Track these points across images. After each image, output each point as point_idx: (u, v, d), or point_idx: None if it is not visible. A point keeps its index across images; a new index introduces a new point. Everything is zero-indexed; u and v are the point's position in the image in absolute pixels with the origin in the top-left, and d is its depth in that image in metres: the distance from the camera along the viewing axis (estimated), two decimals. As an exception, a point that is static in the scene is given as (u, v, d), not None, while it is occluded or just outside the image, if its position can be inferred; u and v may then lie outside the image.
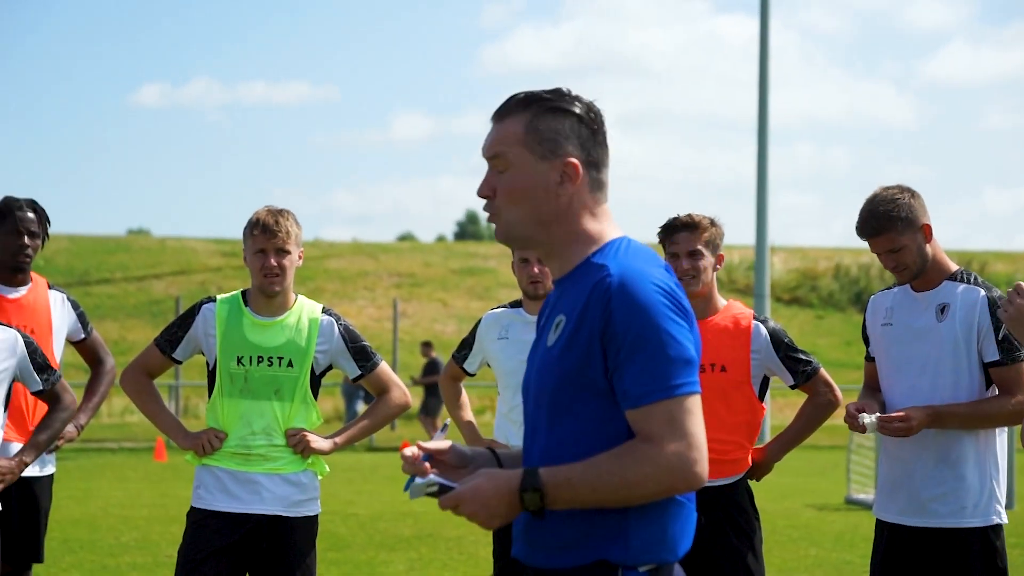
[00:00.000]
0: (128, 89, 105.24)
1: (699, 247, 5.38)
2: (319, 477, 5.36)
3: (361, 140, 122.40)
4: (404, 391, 5.46)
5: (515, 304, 5.87)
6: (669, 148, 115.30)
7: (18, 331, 5.19)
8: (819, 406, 5.49)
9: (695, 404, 2.78)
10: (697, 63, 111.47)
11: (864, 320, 5.30)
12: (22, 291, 6.10)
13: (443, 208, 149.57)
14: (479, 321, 5.94)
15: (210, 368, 5.31)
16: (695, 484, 2.75)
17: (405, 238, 73.64)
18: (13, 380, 5.15)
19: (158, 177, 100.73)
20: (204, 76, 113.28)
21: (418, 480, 2.80)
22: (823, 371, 5.47)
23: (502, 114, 2.93)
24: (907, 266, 4.95)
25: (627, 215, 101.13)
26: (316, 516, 5.32)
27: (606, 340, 2.76)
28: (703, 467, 2.75)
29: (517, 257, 5.67)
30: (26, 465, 5.26)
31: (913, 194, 4.98)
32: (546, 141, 2.88)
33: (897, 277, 5.05)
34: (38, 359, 5.19)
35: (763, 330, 5.40)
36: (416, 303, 40.94)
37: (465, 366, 5.97)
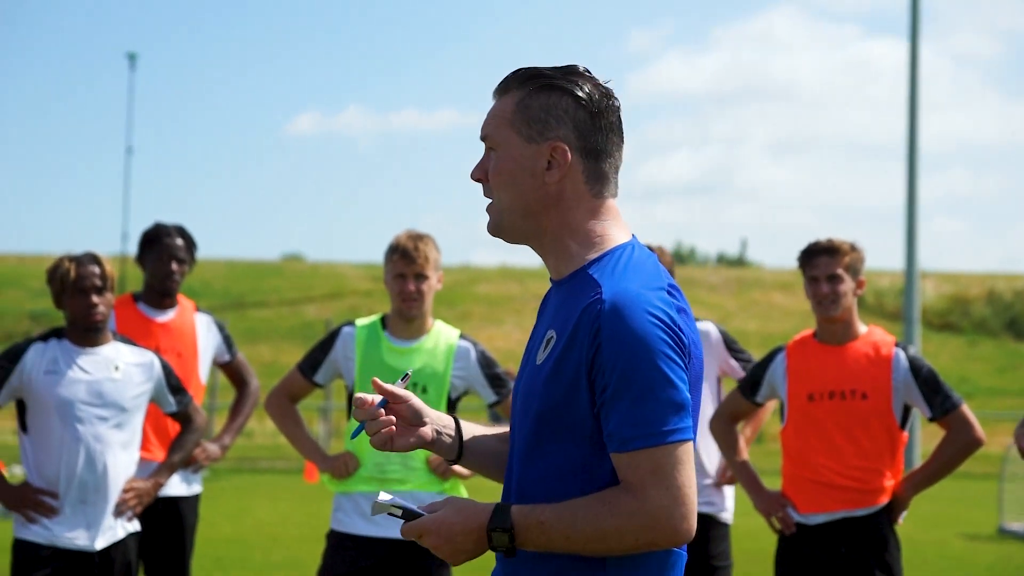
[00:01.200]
0: (285, 119, 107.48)
1: (839, 271, 5.33)
2: None
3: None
4: None
5: None
6: (819, 173, 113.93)
7: (155, 354, 5.35)
8: (957, 445, 5.27)
9: (686, 453, 2.47)
10: (847, 88, 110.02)
11: None
12: (170, 314, 6.28)
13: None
14: None
15: (349, 392, 5.40)
16: (678, 541, 2.47)
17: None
18: (149, 401, 5.32)
19: (312, 203, 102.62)
20: (357, 105, 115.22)
21: (382, 497, 2.61)
22: (965, 408, 5.28)
23: (500, 90, 2.66)
24: None
25: (774, 240, 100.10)
26: None
27: (594, 373, 2.48)
28: (690, 523, 2.46)
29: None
30: (161, 485, 5.40)
31: None
32: (535, 122, 2.59)
33: None
34: (172, 381, 5.35)
35: (903, 358, 5.31)
36: (563, 327, 40.97)
37: None
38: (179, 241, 6.28)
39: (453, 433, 2.81)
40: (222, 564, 11.18)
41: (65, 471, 5.06)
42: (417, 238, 5.32)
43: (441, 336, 5.38)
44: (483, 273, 49.13)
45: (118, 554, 5.18)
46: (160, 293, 6.25)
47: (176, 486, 6.14)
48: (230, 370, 6.51)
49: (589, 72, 2.63)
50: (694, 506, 2.46)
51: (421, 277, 5.27)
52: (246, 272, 48.83)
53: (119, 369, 5.17)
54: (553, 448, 2.53)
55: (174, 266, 6.23)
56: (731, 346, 5.82)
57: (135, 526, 5.29)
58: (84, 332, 5.17)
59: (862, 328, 5.42)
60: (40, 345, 5.15)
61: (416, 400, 2.75)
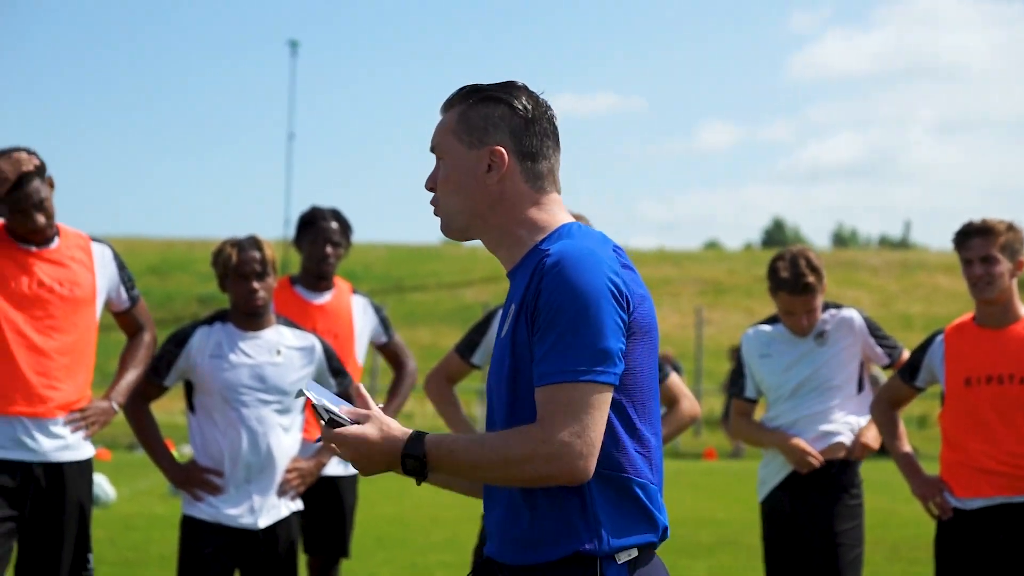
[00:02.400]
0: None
1: (993, 252, 5.22)
2: None
3: (667, 149, 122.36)
4: (693, 402, 5.36)
5: (772, 320, 5.85)
6: (985, 154, 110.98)
7: (316, 336, 5.47)
8: None
9: (601, 399, 2.63)
10: (1015, 66, 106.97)
11: None
12: (327, 296, 6.41)
13: (749, 216, 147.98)
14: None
15: None
16: (577, 478, 2.61)
17: (711, 246, 73.26)
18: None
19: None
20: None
21: (311, 391, 2.76)
22: None
23: (446, 106, 2.91)
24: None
25: (938, 222, 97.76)
26: None
27: (534, 315, 2.68)
28: (589, 463, 2.61)
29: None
30: (323, 464, 5.52)
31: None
32: (474, 130, 2.84)
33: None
34: (334, 364, 5.45)
35: (1068, 340, 5.18)
36: (720, 310, 40.71)
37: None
38: (334, 224, 6.40)
39: None
40: (383, 543, 11.37)
41: (230, 452, 5.22)
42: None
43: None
44: (641, 256, 48.90)
45: (281, 532, 5.32)
46: (316, 276, 6.38)
47: (335, 466, 6.25)
48: (387, 352, 6.60)
49: (526, 86, 2.89)
50: (595, 449, 2.61)
51: None
52: (406, 256, 49.39)
53: (281, 353, 5.30)
54: (525, 406, 2.70)
55: (329, 249, 6.35)
56: (875, 332, 5.76)
57: (298, 505, 5.43)
58: (246, 316, 5.31)
59: (1023, 311, 5.32)
60: (205, 329, 5.31)
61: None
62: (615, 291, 2.67)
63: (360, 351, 6.45)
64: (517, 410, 2.73)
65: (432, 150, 2.91)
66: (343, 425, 2.73)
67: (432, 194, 2.92)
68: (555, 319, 2.64)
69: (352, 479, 6.43)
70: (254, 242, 5.31)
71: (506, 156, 2.83)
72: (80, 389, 5.18)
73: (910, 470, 5.45)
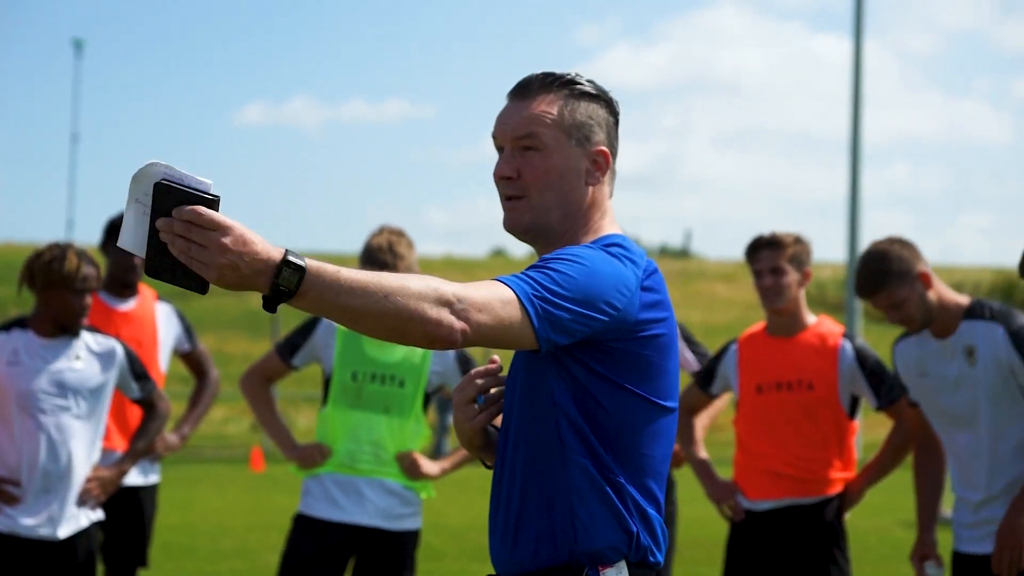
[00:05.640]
0: (232, 107, 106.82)
1: (782, 263, 5.40)
2: (423, 497, 5.42)
3: (455, 157, 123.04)
4: None
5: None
6: (762, 166, 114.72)
7: (117, 340, 5.35)
8: (906, 435, 5.30)
9: (522, 324, 2.42)
10: (792, 82, 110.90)
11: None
12: (130, 303, 6.30)
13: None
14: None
15: (326, 378, 5.41)
16: (454, 333, 2.35)
17: (497, 253, 73.83)
18: (114, 389, 5.34)
19: (259, 191, 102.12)
20: (304, 94, 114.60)
21: (160, 164, 2.25)
22: (907, 398, 5.19)
23: (528, 93, 2.71)
24: (912, 319, 4.76)
25: (718, 232, 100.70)
26: (417, 531, 5.41)
27: None
28: (470, 334, 2.36)
29: None
30: (125, 473, 5.42)
31: (904, 244, 4.79)
32: (583, 127, 2.69)
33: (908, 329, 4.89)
34: (136, 368, 5.34)
35: (850, 348, 5.39)
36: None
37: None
38: None
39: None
40: (171, 553, 11.18)
41: (27, 460, 5.08)
42: (389, 248, 5.30)
43: None
44: (429, 264, 49.09)
45: (80, 543, 5.20)
46: (122, 284, 6.28)
47: (134, 476, 6.16)
48: (190, 360, 6.53)
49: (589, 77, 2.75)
50: (481, 328, 2.38)
51: None
52: (190, 261, 48.42)
53: (80, 358, 5.18)
54: (544, 414, 2.58)
55: (136, 260, 6.26)
56: (688, 339, 5.89)
57: (98, 515, 5.32)
58: (58, 329, 5.17)
59: (811, 319, 5.51)
60: (2, 336, 5.15)
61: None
62: (610, 293, 2.52)
63: (164, 359, 6.36)
64: (534, 416, 2.60)
65: (521, 138, 2.67)
66: (214, 206, 2.25)
67: (504, 183, 2.70)
68: (544, 259, 2.53)
69: (152, 489, 6.34)
70: (89, 257, 5.13)
71: (610, 159, 2.73)
72: None
73: (705, 474, 5.62)
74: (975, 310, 4.75)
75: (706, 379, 5.64)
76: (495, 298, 2.40)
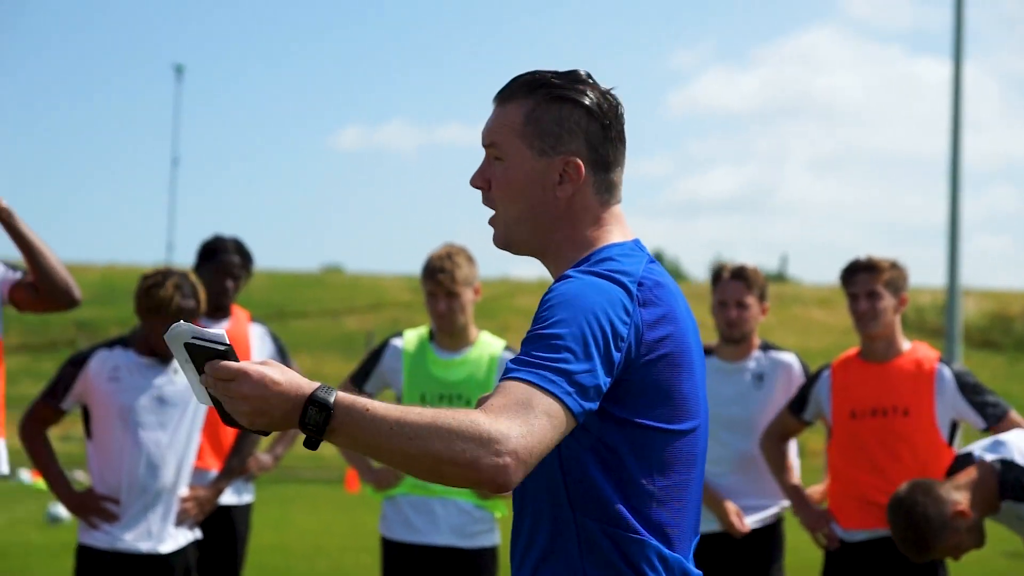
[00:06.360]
0: (328, 132, 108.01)
1: (878, 288, 5.36)
2: (497, 516, 5.50)
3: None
4: None
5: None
6: (859, 190, 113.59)
7: None
8: None
9: (557, 417, 2.24)
10: (890, 106, 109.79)
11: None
12: (224, 324, 6.37)
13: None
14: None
15: (397, 401, 5.48)
16: (499, 480, 2.18)
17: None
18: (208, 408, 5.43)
19: (352, 215, 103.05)
20: (400, 118, 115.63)
21: (179, 328, 2.24)
22: (1013, 412, 5.25)
23: (505, 97, 2.54)
24: (970, 549, 4.59)
25: (814, 256, 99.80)
26: (494, 548, 5.47)
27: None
28: (515, 472, 2.18)
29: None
30: (221, 492, 5.52)
31: (926, 491, 4.47)
32: (547, 135, 2.49)
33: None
34: None
35: (948, 373, 5.33)
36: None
37: None
38: (235, 258, 6.39)
39: None
40: (265, 572, 11.28)
41: (127, 477, 5.17)
42: (447, 257, 5.40)
43: (485, 348, 5.48)
44: (522, 286, 49.19)
45: (179, 561, 5.29)
46: (215, 307, 6.36)
47: (228, 495, 6.22)
48: (284, 381, 6.58)
49: (592, 78, 2.55)
50: (526, 455, 2.19)
51: (452, 295, 5.37)
52: (286, 283, 48.99)
53: (179, 374, 5.27)
54: None
55: (229, 283, 6.34)
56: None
57: (196, 534, 5.41)
58: (152, 352, 5.27)
59: (906, 345, 5.46)
60: (104, 352, 5.26)
61: None
62: (613, 325, 2.33)
63: (258, 380, 6.42)
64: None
65: (487, 146, 2.55)
66: (230, 359, 2.22)
67: (479, 192, 2.58)
68: (539, 324, 2.33)
69: (245, 509, 6.40)
70: (193, 288, 5.21)
71: (582, 168, 2.50)
72: None
73: (798, 501, 5.57)
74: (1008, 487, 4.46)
75: (798, 405, 5.59)
76: (524, 411, 2.21)
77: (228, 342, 2.23)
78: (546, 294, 2.39)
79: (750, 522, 5.70)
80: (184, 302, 5.16)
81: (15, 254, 5.17)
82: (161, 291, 5.15)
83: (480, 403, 2.30)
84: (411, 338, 5.50)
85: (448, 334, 5.42)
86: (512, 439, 2.17)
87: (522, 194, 2.51)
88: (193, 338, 2.24)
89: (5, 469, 5.09)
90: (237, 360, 2.22)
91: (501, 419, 2.18)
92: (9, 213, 4.97)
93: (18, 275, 5.14)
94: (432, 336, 5.49)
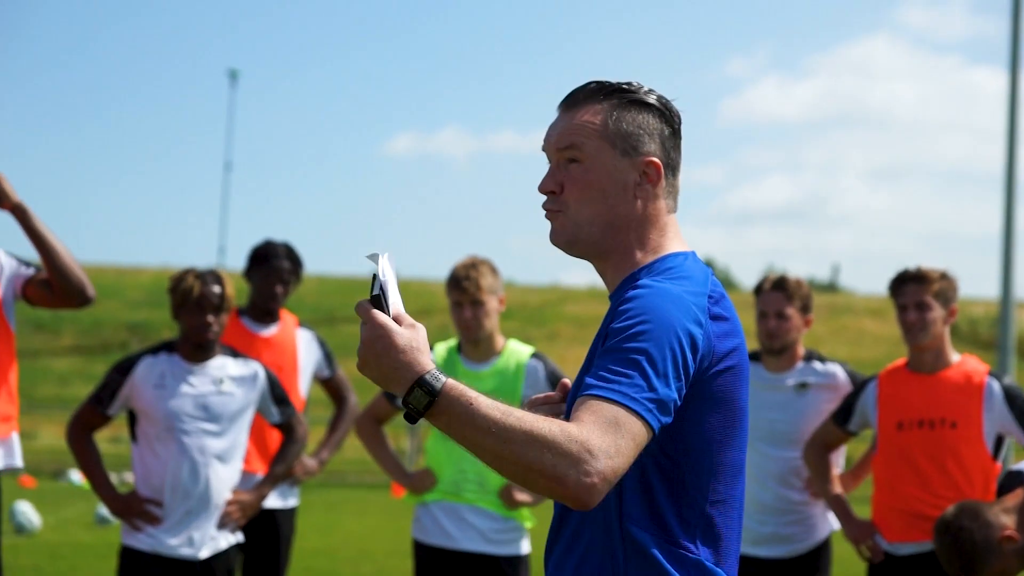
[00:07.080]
0: (382, 138, 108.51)
1: (927, 299, 5.32)
2: (527, 527, 5.53)
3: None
4: None
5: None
6: (913, 201, 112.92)
7: (259, 364, 5.49)
8: None
9: (640, 434, 2.28)
10: (945, 116, 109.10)
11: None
12: (272, 329, 6.41)
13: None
14: None
15: None
16: (582, 495, 2.22)
17: (643, 284, 73.70)
18: (255, 412, 5.47)
19: (403, 221, 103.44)
20: (453, 125, 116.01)
21: (382, 262, 2.41)
22: None
23: (575, 102, 2.57)
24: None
25: (867, 266, 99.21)
26: (524, 556, 5.49)
27: (606, 339, 2.39)
28: (603, 489, 2.23)
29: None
30: (265, 496, 5.55)
31: (973, 516, 4.38)
32: (628, 136, 2.53)
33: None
34: (277, 392, 5.48)
35: (997, 387, 5.27)
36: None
37: None
38: (286, 264, 6.42)
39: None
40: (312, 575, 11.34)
41: (171, 481, 5.21)
42: (471, 266, 5.46)
43: (512, 356, 5.51)
44: (572, 293, 49.17)
45: (219, 564, 5.32)
46: (264, 311, 6.40)
47: (273, 499, 6.24)
48: (330, 386, 6.61)
49: (647, 87, 2.60)
50: (612, 476, 2.24)
51: (477, 304, 5.40)
52: (337, 287, 49.24)
53: (224, 383, 5.32)
54: None
55: (279, 288, 6.37)
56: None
57: (238, 537, 5.44)
58: (194, 348, 5.32)
59: (955, 357, 5.40)
60: (150, 359, 5.30)
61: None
62: (692, 341, 2.37)
63: (303, 384, 6.45)
64: None
65: (563, 150, 2.55)
66: (384, 311, 2.36)
67: (545, 197, 2.58)
68: (623, 341, 2.33)
69: (290, 512, 6.42)
70: (216, 277, 5.33)
71: (662, 169, 2.54)
72: None
73: (842, 513, 5.53)
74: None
75: (843, 415, 5.54)
76: (611, 429, 2.25)
77: (381, 290, 2.37)
78: (625, 303, 2.41)
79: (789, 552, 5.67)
80: (206, 289, 5.25)
81: (30, 251, 5.22)
82: (183, 284, 5.28)
83: (567, 413, 2.37)
84: (440, 351, 5.55)
85: (474, 343, 5.46)
86: (601, 460, 2.23)
87: (603, 194, 2.53)
88: (374, 275, 2.40)
89: (19, 463, 5.14)
90: (385, 307, 2.35)
91: (593, 438, 2.23)
92: (24, 210, 5.03)
93: (31, 271, 5.18)
94: (460, 348, 5.53)
